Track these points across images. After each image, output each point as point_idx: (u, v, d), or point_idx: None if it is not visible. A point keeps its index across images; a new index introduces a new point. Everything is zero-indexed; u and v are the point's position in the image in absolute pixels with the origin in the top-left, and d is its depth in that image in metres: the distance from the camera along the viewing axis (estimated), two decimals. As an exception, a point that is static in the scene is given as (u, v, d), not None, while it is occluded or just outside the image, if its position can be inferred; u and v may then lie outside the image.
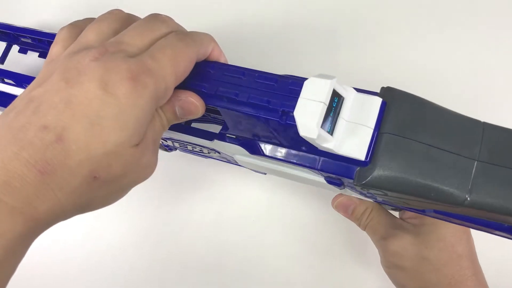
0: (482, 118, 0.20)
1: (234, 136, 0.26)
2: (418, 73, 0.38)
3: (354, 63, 0.39)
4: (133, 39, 0.21)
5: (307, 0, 0.41)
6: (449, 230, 0.28)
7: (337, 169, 0.22)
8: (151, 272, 0.37)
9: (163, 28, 0.22)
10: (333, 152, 0.21)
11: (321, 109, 0.20)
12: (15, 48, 0.38)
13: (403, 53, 0.39)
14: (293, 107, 0.20)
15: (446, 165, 0.19)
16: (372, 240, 0.32)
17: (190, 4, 0.42)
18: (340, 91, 0.21)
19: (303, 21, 0.40)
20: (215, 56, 0.24)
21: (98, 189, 0.20)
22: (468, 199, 0.18)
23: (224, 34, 0.40)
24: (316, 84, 0.20)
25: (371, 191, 0.22)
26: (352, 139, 0.21)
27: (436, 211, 0.23)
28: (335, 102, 0.21)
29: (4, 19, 0.37)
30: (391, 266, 0.30)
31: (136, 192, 0.23)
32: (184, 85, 0.23)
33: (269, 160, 0.25)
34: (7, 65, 0.37)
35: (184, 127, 0.29)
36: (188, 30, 0.24)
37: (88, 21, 0.24)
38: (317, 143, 0.21)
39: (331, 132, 0.20)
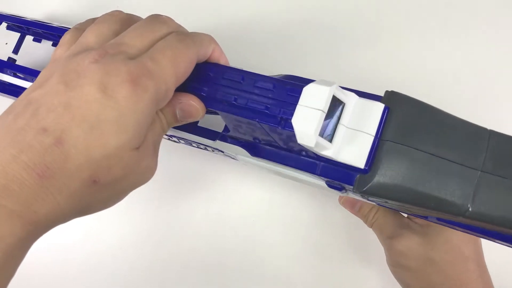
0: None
1: (236, 138, 0.25)
2: (419, 73, 0.38)
3: (355, 61, 0.39)
4: (133, 40, 0.21)
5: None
6: (456, 232, 0.28)
7: (337, 175, 0.22)
8: (151, 272, 0.38)
9: (164, 29, 0.22)
10: (332, 159, 0.21)
11: (319, 117, 0.19)
12: (29, 36, 0.38)
13: (403, 53, 0.39)
14: (292, 113, 0.20)
15: (448, 175, 0.18)
16: (378, 238, 0.32)
17: (190, 3, 0.41)
18: (341, 96, 0.20)
19: (304, 20, 0.40)
20: (216, 57, 0.24)
21: (98, 192, 0.20)
22: (470, 209, 0.18)
23: (224, 33, 0.39)
24: (315, 91, 0.20)
25: (370, 198, 0.22)
26: (352, 146, 0.20)
27: (439, 219, 0.23)
28: (336, 108, 0.20)
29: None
30: (397, 266, 0.30)
31: (136, 193, 0.23)
32: (184, 87, 0.22)
33: (270, 162, 0.25)
34: (21, 55, 0.38)
35: (187, 126, 0.28)
36: (189, 29, 0.24)
37: (90, 22, 0.24)
38: (316, 150, 0.20)
39: (330, 138, 0.20)
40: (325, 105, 0.19)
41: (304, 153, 0.23)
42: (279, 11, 0.40)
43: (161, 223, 0.38)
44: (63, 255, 0.38)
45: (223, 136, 0.27)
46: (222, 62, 0.24)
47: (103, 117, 0.19)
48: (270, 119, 0.21)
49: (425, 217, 0.24)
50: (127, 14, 0.24)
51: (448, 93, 0.37)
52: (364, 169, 0.20)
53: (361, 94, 0.22)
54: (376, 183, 0.19)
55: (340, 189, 0.23)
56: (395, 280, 0.32)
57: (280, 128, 0.20)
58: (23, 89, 0.34)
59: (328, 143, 0.20)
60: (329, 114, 0.20)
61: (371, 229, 0.33)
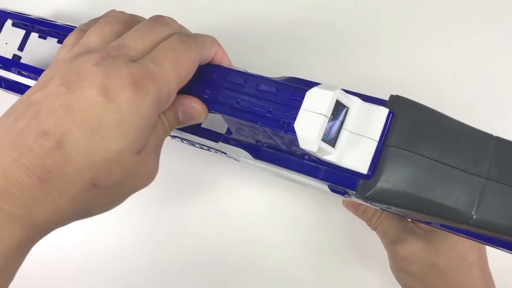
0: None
1: (238, 140, 0.25)
2: (419, 73, 0.38)
3: (355, 61, 0.39)
4: (135, 42, 0.21)
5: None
6: (461, 238, 0.28)
7: (340, 179, 0.21)
8: (151, 272, 0.37)
9: (166, 30, 0.22)
10: (334, 164, 0.21)
11: (322, 121, 0.19)
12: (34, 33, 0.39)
13: (403, 53, 0.39)
14: (294, 118, 0.20)
15: (452, 182, 0.18)
16: (381, 241, 0.32)
17: (190, 3, 0.41)
18: (344, 101, 0.20)
19: (304, 20, 0.40)
20: (219, 59, 0.24)
21: (98, 196, 0.20)
22: (474, 217, 0.18)
23: (224, 33, 0.39)
24: (318, 95, 0.20)
25: (373, 203, 0.21)
26: (355, 151, 0.20)
27: (442, 225, 0.22)
28: (339, 113, 0.20)
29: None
30: (400, 270, 0.30)
31: (136, 193, 0.23)
32: (187, 90, 0.22)
33: (272, 165, 0.25)
34: (26, 51, 0.38)
35: (190, 127, 0.28)
36: (190, 30, 0.24)
37: (94, 22, 0.23)
38: (318, 155, 0.20)
39: (333, 143, 0.20)
40: (328, 110, 0.19)
41: (306, 157, 0.23)
42: (279, 11, 0.40)
43: (161, 223, 0.38)
44: (63, 255, 0.38)
45: (226, 138, 0.27)
46: (225, 63, 0.24)
47: (104, 121, 0.19)
48: (272, 122, 0.21)
49: (429, 223, 0.24)
50: (129, 14, 0.24)
51: (448, 93, 0.37)
52: (367, 174, 0.20)
53: (366, 98, 0.22)
54: (379, 189, 0.19)
55: (342, 193, 0.23)
56: (395, 281, 0.32)
57: (282, 132, 0.20)
58: (28, 87, 0.34)
59: (331, 148, 0.20)
60: (332, 119, 0.20)
61: (372, 231, 0.32)
